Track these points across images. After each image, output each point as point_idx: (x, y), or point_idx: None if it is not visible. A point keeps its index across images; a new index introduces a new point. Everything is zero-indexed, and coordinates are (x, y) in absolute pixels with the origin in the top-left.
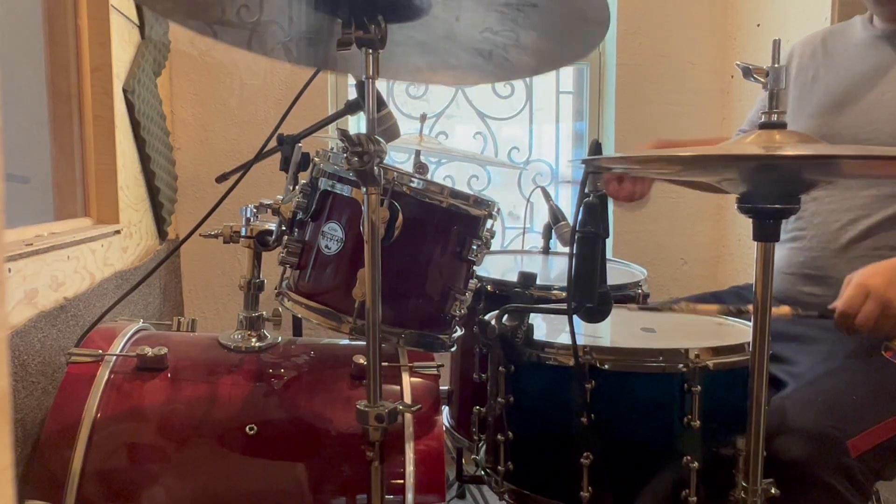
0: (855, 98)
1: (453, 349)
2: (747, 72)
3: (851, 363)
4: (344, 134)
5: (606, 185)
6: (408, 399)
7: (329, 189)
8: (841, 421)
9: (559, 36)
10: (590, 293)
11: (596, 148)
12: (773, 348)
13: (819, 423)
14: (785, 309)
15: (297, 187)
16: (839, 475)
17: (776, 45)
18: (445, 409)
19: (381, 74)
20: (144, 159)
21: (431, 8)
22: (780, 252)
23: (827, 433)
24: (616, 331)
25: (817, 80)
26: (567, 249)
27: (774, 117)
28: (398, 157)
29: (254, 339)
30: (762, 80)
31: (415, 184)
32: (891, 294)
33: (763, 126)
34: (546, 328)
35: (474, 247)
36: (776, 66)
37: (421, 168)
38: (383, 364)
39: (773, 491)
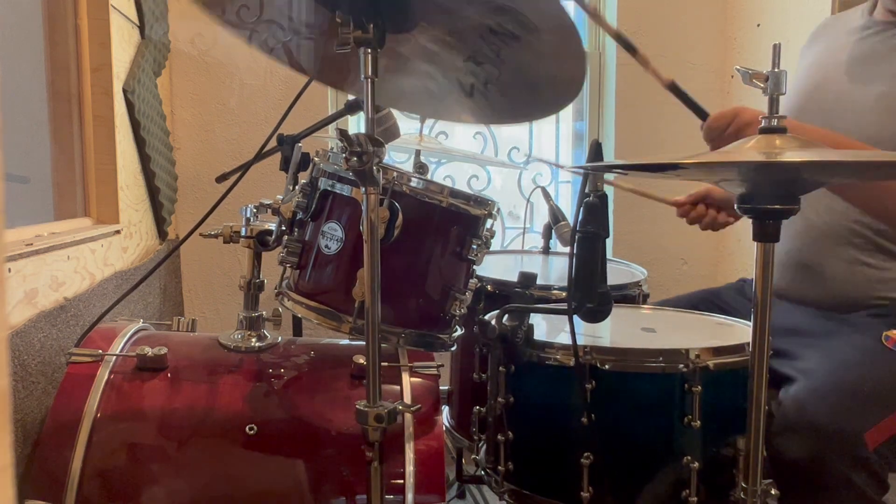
0: (833, 87)
1: (453, 349)
2: (746, 77)
3: (859, 356)
4: (343, 134)
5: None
6: (408, 399)
7: (329, 189)
8: (856, 414)
9: (536, 79)
10: (590, 293)
11: (596, 149)
12: (775, 343)
13: (835, 418)
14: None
15: (297, 187)
16: (857, 469)
17: (776, 49)
18: (445, 409)
19: (353, 92)
20: (144, 159)
21: (422, 18)
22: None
23: (843, 428)
24: (616, 331)
25: (807, 66)
26: (567, 249)
27: (774, 122)
28: (398, 157)
29: (254, 339)
30: (761, 84)
31: (415, 183)
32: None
33: (763, 131)
34: (546, 328)
35: (474, 246)
36: (776, 70)
37: (421, 168)
38: (383, 364)
39: (773, 491)
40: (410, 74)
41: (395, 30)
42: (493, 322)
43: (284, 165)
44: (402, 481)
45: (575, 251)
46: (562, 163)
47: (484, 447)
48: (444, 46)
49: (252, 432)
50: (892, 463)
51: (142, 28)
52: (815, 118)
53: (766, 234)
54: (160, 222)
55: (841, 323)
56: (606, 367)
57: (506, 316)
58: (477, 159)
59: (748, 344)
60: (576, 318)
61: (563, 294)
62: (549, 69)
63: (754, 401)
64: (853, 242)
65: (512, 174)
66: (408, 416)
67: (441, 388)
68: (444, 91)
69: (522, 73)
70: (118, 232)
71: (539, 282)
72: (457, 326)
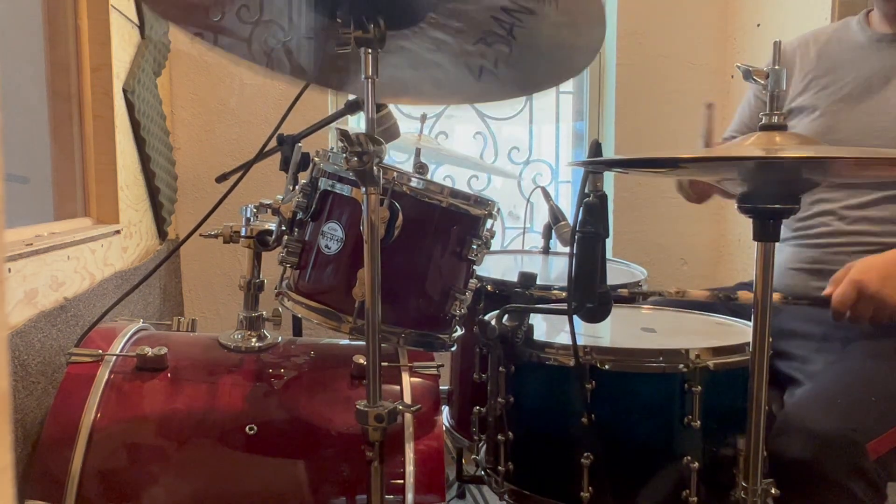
0: (860, 102)
1: (453, 349)
2: (748, 74)
3: (870, 364)
4: (343, 134)
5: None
6: (408, 399)
7: (329, 189)
8: (861, 424)
9: (550, 50)
10: (590, 293)
11: (596, 148)
12: (783, 346)
13: (839, 426)
14: (776, 296)
15: (297, 187)
16: (857, 478)
17: (777, 46)
18: (445, 409)
19: (358, 93)
20: (144, 159)
21: (430, 10)
22: (787, 248)
23: (847, 436)
24: (616, 331)
25: (818, 85)
26: (567, 249)
27: (775, 119)
28: (398, 158)
29: (254, 339)
30: (762, 81)
31: (415, 183)
32: (884, 292)
33: (764, 128)
34: (546, 328)
35: (474, 246)
36: (776, 67)
37: (421, 168)
38: (383, 364)
39: (773, 491)
40: (415, 67)
41: (403, 25)
42: (493, 322)
43: (284, 165)
44: (402, 481)
45: (575, 251)
46: (562, 164)
47: (484, 447)
48: (453, 33)
49: (252, 432)
50: (893, 473)
51: (142, 28)
52: (856, 125)
53: (766, 233)
54: (160, 222)
55: (854, 329)
56: (606, 367)
57: (506, 316)
58: (476, 165)
59: (748, 344)
60: (576, 318)
61: (563, 294)
62: (565, 37)
63: (754, 401)
64: (884, 243)
65: (512, 173)
66: (408, 416)
67: (441, 388)
68: (452, 78)
69: (536, 45)
70: (118, 232)
71: (539, 282)
72: (457, 326)
